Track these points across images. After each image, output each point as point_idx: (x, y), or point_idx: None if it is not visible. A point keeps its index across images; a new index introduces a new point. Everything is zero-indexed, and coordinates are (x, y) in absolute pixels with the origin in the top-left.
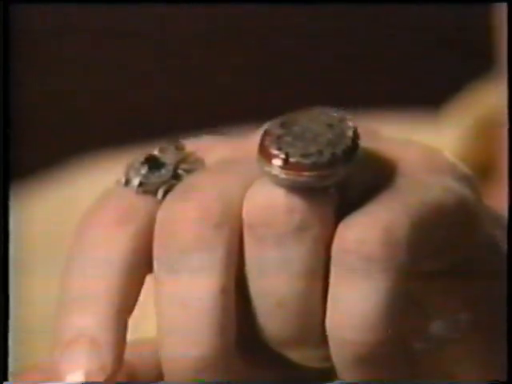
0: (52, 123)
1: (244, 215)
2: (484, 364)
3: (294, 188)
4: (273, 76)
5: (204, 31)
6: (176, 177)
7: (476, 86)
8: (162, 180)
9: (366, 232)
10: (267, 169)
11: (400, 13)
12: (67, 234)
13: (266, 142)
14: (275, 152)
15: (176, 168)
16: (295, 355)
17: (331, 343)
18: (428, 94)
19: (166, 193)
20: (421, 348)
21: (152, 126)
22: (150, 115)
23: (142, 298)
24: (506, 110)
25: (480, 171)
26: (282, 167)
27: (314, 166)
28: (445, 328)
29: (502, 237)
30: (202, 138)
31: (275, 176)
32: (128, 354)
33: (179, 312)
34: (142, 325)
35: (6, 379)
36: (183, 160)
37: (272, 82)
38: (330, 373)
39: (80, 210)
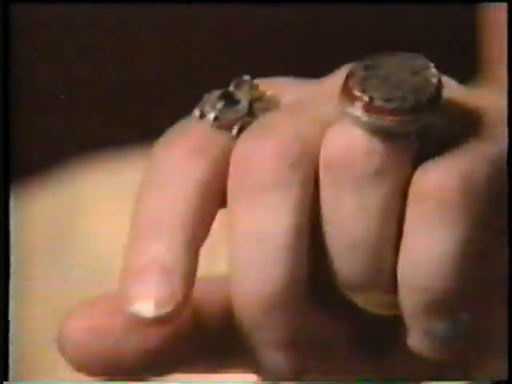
0: (52, 123)
1: (322, 155)
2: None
3: (375, 131)
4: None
5: (203, 31)
6: (251, 114)
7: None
8: (237, 116)
9: (445, 178)
10: (350, 110)
11: (389, 13)
12: (67, 235)
13: (350, 84)
14: (359, 94)
15: (251, 105)
16: (363, 300)
17: (402, 289)
18: None
19: (240, 129)
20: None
21: (152, 126)
22: (150, 116)
23: (213, 234)
24: (505, 111)
25: None
26: (365, 109)
27: (397, 111)
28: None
29: None
30: (276, 79)
31: (357, 118)
32: (196, 291)
33: (252, 248)
34: (212, 261)
35: (6, 379)
36: (258, 98)
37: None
38: (393, 321)
39: (80, 210)
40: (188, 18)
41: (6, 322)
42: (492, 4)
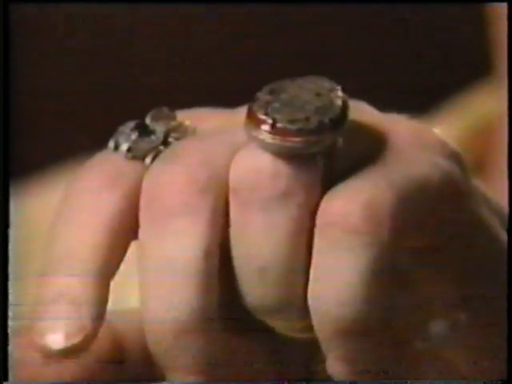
0: (51, 123)
1: (230, 180)
2: (477, 349)
3: (280, 153)
4: (264, 73)
5: (202, 30)
6: (166, 144)
7: (470, 91)
8: (151, 146)
9: (349, 205)
10: (254, 134)
11: (396, 14)
12: None
13: (254, 108)
14: (263, 117)
15: (166, 136)
16: (277, 324)
17: (313, 315)
18: (422, 97)
19: (154, 159)
20: (409, 326)
21: None
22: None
23: (125, 267)
24: (503, 114)
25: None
26: (268, 132)
27: (300, 132)
28: (436, 329)
29: (489, 216)
30: (194, 109)
31: (262, 141)
32: (113, 322)
33: (161, 274)
34: (127, 294)
35: (6, 379)
36: (174, 129)
37: (263, 79)
38: (312, 344)
39: None
40: (187, 18)
41: (6, 322)
42: (492, 4)
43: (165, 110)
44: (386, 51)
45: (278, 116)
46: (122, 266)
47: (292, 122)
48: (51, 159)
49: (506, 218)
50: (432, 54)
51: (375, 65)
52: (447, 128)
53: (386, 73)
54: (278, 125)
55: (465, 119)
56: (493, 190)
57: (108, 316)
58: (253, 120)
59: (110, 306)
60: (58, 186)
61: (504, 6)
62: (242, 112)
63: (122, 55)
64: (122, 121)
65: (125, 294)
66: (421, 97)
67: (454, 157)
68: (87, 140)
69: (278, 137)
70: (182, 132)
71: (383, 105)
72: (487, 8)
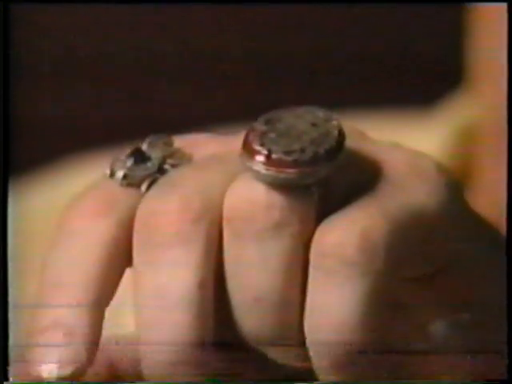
0: (50, 121)
1: (224, 210)
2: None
3: (274, 184)
4: (262, 74)
5: (201, 29)
6: (161, 171)
7: (450, 98)
8: (146, 173)
9: (343, 236)
10: (249, 164)
11: (390, 13)
12: None
13: (250, 138)
14: (258, 148)
15: (162, 162)
16: (273, 353)
17: (310, 345)
18: (415, 96)
19: (150, 186)
20: (409, 350)
21: (147, 124)
22: (145, 114)
23: (121, 292)
24: (484, 119)
25: (461, 178)
26: (263, 163)
27: (295, 163)
28: (435, 332)
29: (484, 242)
30: (192, 135)
31: (257, 172)
32: (108, 349)
33: (156, 304)
34: (122, 319)
35: (6, 379)
36: (170, 155)
37: (262, 80)
38: (310, 373)
39: None
40: (186, 16)
41: (6, 322)
42: (492, 4)
43: (162, 136)
44: (378, 49)
45: (273, 147)
46: (118, 291)
47: (287, 153)
48: (49, 156)
49: (500, 240)
50: (410, 61)
51: (369, 63)
52: (431, 135)
53: (381, 71)
54: (273, 156)
55: (447, 126)
56: (478, 196)
57: (103, 341)
58: (248, 150)
59: (105, 331)
60: (56, 183)
61: (504, 6)
62: (238, 139)
63: (121, 55)
64: (119, 120)
65: (120, 318)
66: (402, 104)
67: (450, 185)
68: (85, 138)
69: (272, 168)
70: (178, 158)
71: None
72: (466, 12)
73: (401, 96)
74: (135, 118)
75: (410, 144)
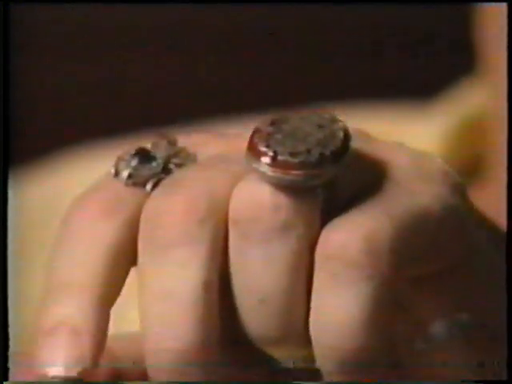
0: (49, 114)
1: (230, 211)
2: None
3: (280, 186)
4: (262, 69)
5: (200, 28)
6: (166, 171)
7: (461, 84)
8: (151, 173)
9: (348, 239)
10: (255, 166)
11: (388, 9)
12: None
13: (256, 139)
14: (264, 149)
15: (167, 162)
16: (279, 354)
17: (315, 346)
18: (417, 87)
19: (155, 186)
20: (412, 351)
21: (145, 117)
22: (143, 107)
23: (125, 291)
24: (492, 107)
25: (463, 171)
26: (269, 165)
27: (301, 165)
28: (437, 331)
29: (488, 241)
30: (196, 134)
31: (263, 173)
32: (112, 347)
33: (161, 305)
34: (127, 317)
35: (6, 379)
36: (175, 155)
37: (261, 75)
38: (316, 373)
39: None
40: (186, 16)
41: (6, 322)
42: (492, 4)
43: (166, 135)
44: (379, 42)
45: (279, 148)
46: (123, 290)
47: (293, 154)
48: (48, 149)
49: (504, 238)
50: (419, 51)
51: (369, 56)
52: (437, 124)
53: (381, 63)
54: (279, 157)
55: (454, 115)
56: (484, 187)
57: (108, 341)
58: (254, 152)
59: (110, 330)
60: (55, 175)
61: (504, 6)
62: (243, 137)
63: (121, 55)
64: (117, 113)
65: (125, 317)
66: (409, 93)
67: (456, 186)
68: (83, 131)
69: (278, 169)
70: (182, 158)
71: (377, 95)
72: (474, 7)
73: (402, 88)
74: (131, 111)
75: (411, 136)
